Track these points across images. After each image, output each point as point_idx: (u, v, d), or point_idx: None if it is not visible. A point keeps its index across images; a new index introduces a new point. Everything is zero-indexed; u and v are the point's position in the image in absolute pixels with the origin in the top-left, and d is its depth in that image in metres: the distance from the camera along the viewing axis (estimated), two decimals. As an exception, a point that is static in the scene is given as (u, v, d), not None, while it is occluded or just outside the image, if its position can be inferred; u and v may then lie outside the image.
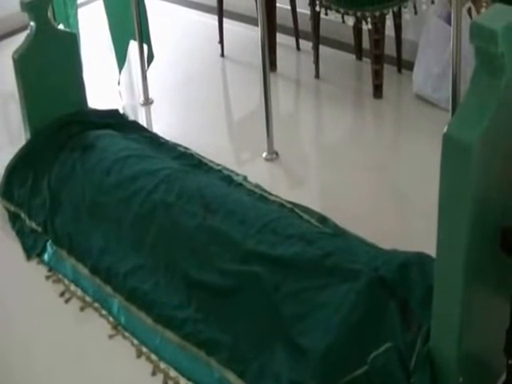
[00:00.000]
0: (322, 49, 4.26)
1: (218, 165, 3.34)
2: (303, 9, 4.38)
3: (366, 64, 4.16)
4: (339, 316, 2.33)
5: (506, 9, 1.87)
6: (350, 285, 2.39)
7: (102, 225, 3.00)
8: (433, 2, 3.78)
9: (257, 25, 3.44)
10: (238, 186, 3.16)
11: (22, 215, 3.21)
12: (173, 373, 2.46)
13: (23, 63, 3.35)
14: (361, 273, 2.41)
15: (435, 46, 3.78)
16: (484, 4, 3.54)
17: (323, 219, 2.90)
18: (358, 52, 4.35)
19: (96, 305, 2.76)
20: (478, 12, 3.55)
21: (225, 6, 4.57)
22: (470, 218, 1.85)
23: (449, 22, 3.25)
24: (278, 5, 4.33)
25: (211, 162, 3.37)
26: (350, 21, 3.91)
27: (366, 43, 4.16)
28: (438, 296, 2.01)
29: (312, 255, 2.55)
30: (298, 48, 4.57)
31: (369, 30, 3.90)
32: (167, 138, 3.58)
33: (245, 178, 3.23)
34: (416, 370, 2.11)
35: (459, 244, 1.88)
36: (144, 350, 2.55)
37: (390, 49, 4.08)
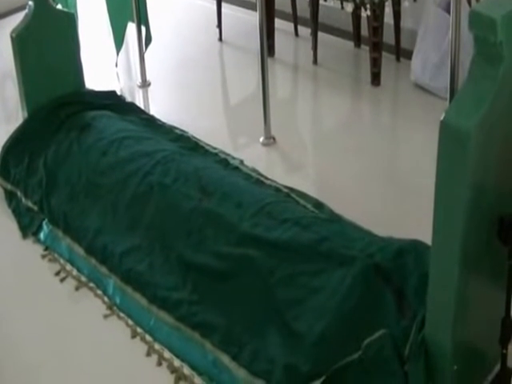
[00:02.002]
0: (321, 35, 4.26)
1: (215, 148, 3.34)
2: (302, -6, 4.39)
3: (365, 51, 4.16)
4: (334, 301, 2.33)
5: (506, -3, 1.88)
6: (345, 270, 2.40)
7: (97, 205, 3.00)
8: (432, -10, 3.79)
9: (255, 10, 3.44)
10: (234, 169, 3.16)
11: (19, 194, 3.21)
12: (167, 354, 2.47)
13: (21, 42, 3.34)
14: (356, 259, 2.42)
15: (434, 35, 3.79)
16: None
17: (319, 205, 2.91)
18: (357, 39, 4.35)
19: (91, 285, 2.77)
20: (478, 0, 3.56)
21: (224, -10, 4.59)
22: (467, 205, 1.85)
23: (448, 11, 3.26)
24: (277, -10, 4.33)
25: (208, 145, 3.37)
26: (349, 7, 3.91)
27: (364, 31, 4.16)
28: (433, 284, 2.02)
29: (307, 240, 2.56)
30: (296, 34, 4.57)
31: (367, 17, 3.90)
32: (164, 120, 3.59)
33: (241, 161, 3.24)
34: (410, 358, 2.12)
35: (455, 232, 1.89)
36: (139, 330, 2.56)
37: (388, 37, 4.08)
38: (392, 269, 2.36)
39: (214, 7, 4.60)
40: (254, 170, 3.17)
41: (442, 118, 1.82)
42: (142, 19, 4.12)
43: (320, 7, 4.12)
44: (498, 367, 2.17)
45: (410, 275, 2.33)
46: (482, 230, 1.97)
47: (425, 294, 2.07)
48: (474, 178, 1.84)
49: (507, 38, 1.77)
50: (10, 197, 3.23)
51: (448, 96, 3.00)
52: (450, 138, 1.81)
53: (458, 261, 1.91)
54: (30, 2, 3.36)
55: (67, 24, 3.51)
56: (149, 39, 4.21)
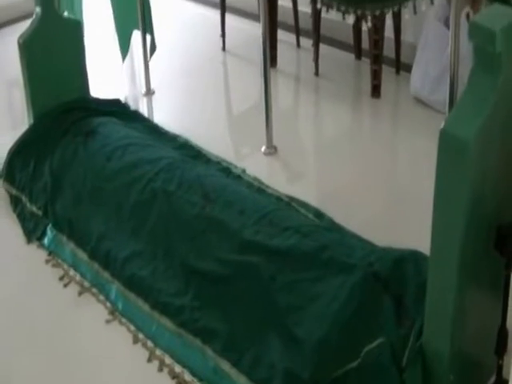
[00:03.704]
0: (322, 47, 4.31)
1: (217, 157, 3.38)
2: (304, 6, 4.40)
3: (365, 64, 4.20)
4: (334, 308, 2.36)
5: (505, 9, 1.91)
6: (345, 278, 2.43)
7: (101, 210, 3.03)
8: (432, 3, 3.83)
9: (258, 21, 3.48)
10: (236, 177, 3.21)
11: (24, 199, 3.24)
12: (168, 360, 2.49)
13: (28, 48, 3.38)
14: (356, 267, 2.45)
15: (433, 49, 3.82)
16: (482, 8, 3.58)
17: (320, 214, 2.95)
18: (358, 51, 4.39)
19: (94, 290, 2.79)
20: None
21: (227, 1, 4.61)
22: (465, 215, 1.88)
23: (447, 26, 3.30)
24: (279, 2, 4.37)
25: (210, 153, 3.41)
26: (351, 19, 3.94)
27: (365, 43, 4.21)
28: (431, 293, 2.04)
29: (308, 247, 2.59)
30: (298, 45, 4.61)
31: (368, 30, 3.94)
32: (168, 128, 3.62)
33: (243, 170, 3.28)
34: (408, 366, 2.15)
35: (453, 241, 1.92)
36: (140, 336, 2.59)
37: (389, 50, 4.12)
38: (391, 277, 2.40)
39: (218, 17, 4.64)
40: (256, 179, 3.21)
41: (441, 126, 1.84)
42: (147, 27, 4.15)
43: (322, 19, 4.16)
44: (494, 378, 2.19)
45: (408, 284, 2.37)
46: (480, 240, 1.99)
47: (423, 303, 2.09)
48: (473, 187, 1.87)
49: (506, 49, 1.81)
50: (16, 202, 3.26)
51: (447, 109, 3.04)
52: (449, 146, 1.84)
53: (456, 270, 1.94)
54: (37, 9, 3.39)
55: (73, 31, 3.55)
56: (153, 47, 4.24)
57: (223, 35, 4.65)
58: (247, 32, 4.75)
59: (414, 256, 2.47)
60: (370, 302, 2.36)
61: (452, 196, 1.88)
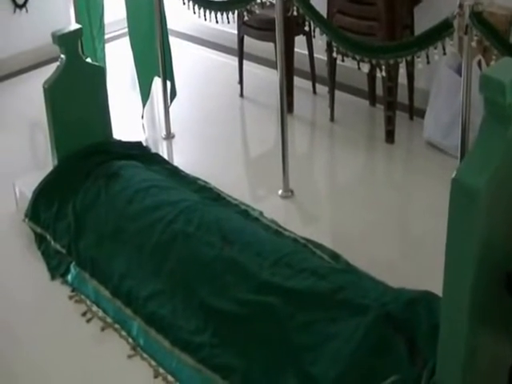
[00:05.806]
0: (338, 93, 4.39)
1: (236, 199, 3.46)
2: (320, 54, 4.50)
3: (379, 110, 4.29)
4: (348, 348, 2.43)
5: (515, 62, 2.00)
6: (359, 319, 2.50)
7: (123, 250, 3.11)
8: (445, 53, 3.91)
9: (275, 68, 3.59)
10: (254, 220, 3.28)
11: (48, 237, 3.32)
12: (188, 394, 2.57)
13: (53, 93, 3.48)
14: (369, 308, 2.52)
15: (446, 96, 3.91)
16: (494, 57, 3.65)
17: (335, 256, 3.01)
18: (372, 98, 4.48)
19: (116, 326, 2.87)
20: (488, 64, 3.66)
21: (245, 49, 4.72)
22: (476, 259, 1.94)
23: (459, 73, 3.36)
24: (296, 49, 4.47)
25: (229, 196, 3.48)
26: (365, 68, 4.03)
27: (379, 90, 4.29)
28: (443, 333, 2.10)
29: (324, 289, 2.67)
30: (314, 92, 4.70)
31: (382, 78, 4.01)
32: (187, 171, 3.70)
33: (261, 213, 3.35)
34: (420, 404, 2.21)
35: (465, 285, 1.98)
36: (161, 371, 2.66)
37: (402, 96, 4.21)
38: (404, 318, 2.47)
39: (236, 64, 4.75)
40: (273, 221, 3.28)
41: (453, 175, 1.91)
42: (168, 74, 4.24)
43: (337, 67, 4.25)
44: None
45: (420, 324, 2.43)
46: (491, 283, 2.05)
47: (435, 343, 2.14)
48: (483, 233, 1.93)
49: (516, 100, 1.88)
50: (40, 239, 3.35)
51: (459, 154, 3.10)
52: (460, 194, 1.91)
53: (468, 312, 1.99)
54: (62, 56, 3.50)
55: (96, 77, 3.65)
56: (174, 93, 4.34)
57: (241, 82, 4.75)
58: (264, 78, 4.86)
59: (427, 297, 2.54)
60: (382, 343, 2.42)
61: (463, 241, 1.95)
